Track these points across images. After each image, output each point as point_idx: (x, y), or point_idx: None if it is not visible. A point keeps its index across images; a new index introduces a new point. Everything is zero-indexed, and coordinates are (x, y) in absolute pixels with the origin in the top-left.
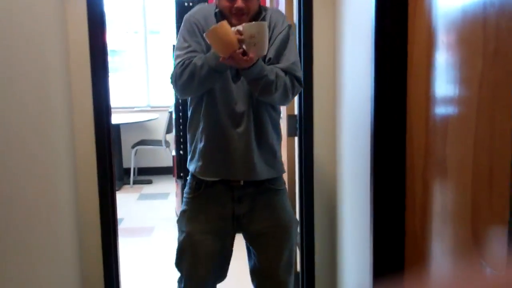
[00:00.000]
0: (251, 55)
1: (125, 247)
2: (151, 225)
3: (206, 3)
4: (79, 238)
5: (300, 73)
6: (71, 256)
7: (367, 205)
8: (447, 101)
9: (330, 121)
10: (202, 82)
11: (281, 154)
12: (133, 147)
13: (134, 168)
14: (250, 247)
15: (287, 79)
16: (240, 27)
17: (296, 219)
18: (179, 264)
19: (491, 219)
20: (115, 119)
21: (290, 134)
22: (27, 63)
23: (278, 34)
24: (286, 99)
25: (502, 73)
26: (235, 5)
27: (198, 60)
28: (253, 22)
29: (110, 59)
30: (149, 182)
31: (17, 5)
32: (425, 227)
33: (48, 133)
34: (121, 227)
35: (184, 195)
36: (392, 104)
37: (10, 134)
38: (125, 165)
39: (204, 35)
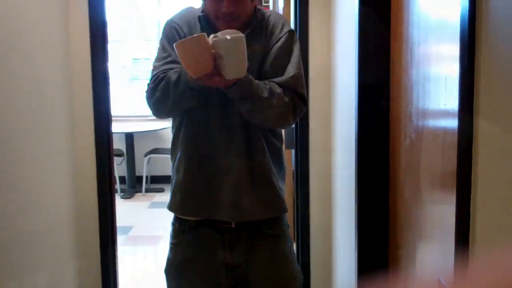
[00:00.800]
0: (221, 76)
1: (130, 255)
2: (158, 234)
3: (193, 6)
4: (78, 247)
5: (302, 89)
6: (69, 265)
7: (352, 215)
8: (421, 116)
9: (326, 133)
10: (177, 101)
11: (284, 189)
12: (146, 155)
13: (146, 176)
14: None
15: (285, 97)
16: (214, 39)
17: (301, 274)
18: None
19: (452, 233)
20: (129, 127)
21: (288, 146)
22: (27, 70)
23: (276, 42)
24: (285, 122)
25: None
26: (222, 9)
27: (173, 74)
28: (221, 38)
29: (132, 67)
30: (161, 190)
31: (20, 13)
32: (407, 240)
33: (48, 141)
34: (129, 235)
35: (169, 239)
36: (375, 122)
37: (8, 140)
38: (137, 173)
39: (174, 45)
